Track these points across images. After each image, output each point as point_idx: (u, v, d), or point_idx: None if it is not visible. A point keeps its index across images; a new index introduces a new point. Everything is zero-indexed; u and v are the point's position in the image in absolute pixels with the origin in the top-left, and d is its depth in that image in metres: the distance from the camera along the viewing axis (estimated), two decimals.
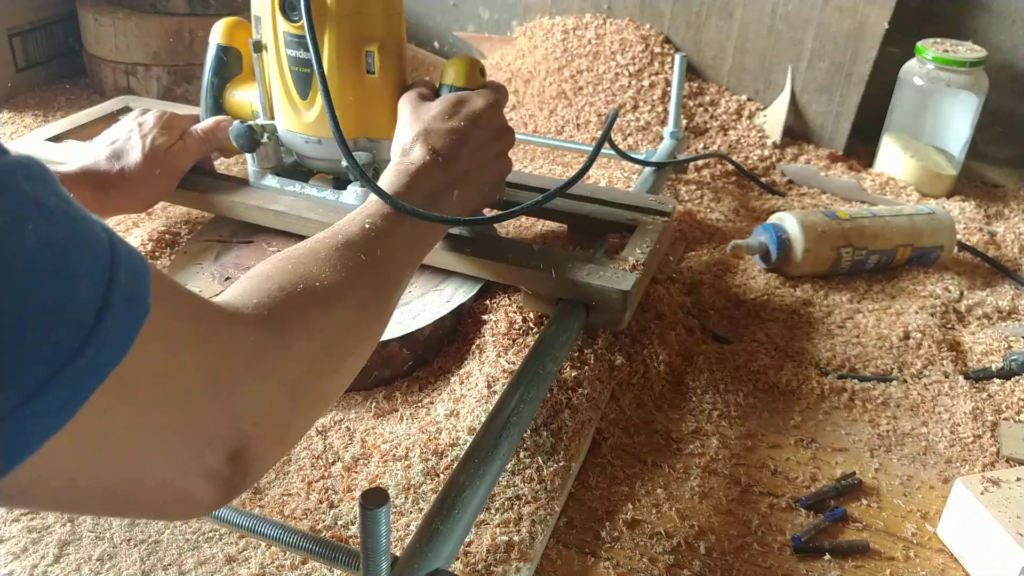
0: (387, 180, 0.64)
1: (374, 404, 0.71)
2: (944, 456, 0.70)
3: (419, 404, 0.71)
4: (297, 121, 0.78)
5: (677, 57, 1.07)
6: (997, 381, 0.78)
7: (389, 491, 0.62)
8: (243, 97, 0.86)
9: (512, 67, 1.36)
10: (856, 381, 0.78)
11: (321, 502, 0.62)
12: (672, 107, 1.10)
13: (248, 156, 0.84)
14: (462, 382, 0.71)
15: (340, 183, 0.82)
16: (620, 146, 1.21)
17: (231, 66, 0.86)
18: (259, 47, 0.77)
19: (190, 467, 0.38)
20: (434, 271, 0.79)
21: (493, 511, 0.60)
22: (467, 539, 0.58)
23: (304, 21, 0.67)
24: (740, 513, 0.64)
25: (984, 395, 0.76)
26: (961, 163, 1.18)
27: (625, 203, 0.84)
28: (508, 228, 0.95)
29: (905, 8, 1.18)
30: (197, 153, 0.84)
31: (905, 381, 0.78)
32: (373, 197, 0.61)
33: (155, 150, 0.80)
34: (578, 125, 1.25)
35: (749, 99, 1.29)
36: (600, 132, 0.83)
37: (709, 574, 0.58)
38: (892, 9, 1.15)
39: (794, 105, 1.26)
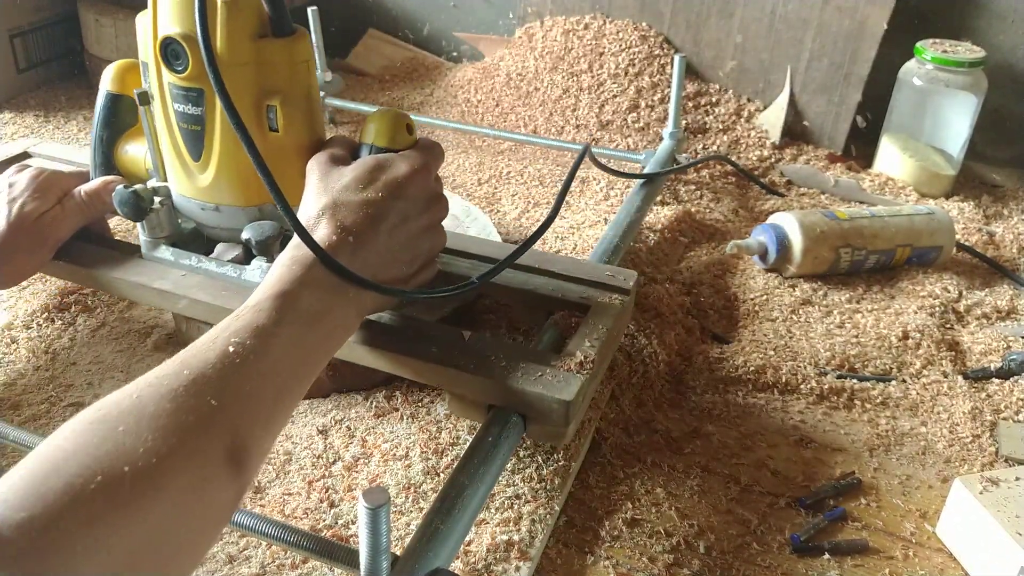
0: (277, 271, 0.52)
1: (374, 403, 0.72)
2: (943, 456, 0.70)
3: (419, 403, 0.71)
4: (191, 186, 0.66)
5: (677, 58, 1.07)
6: (996, 381, 0.78)
7: (389, 490, 0.62)
8: (137, 152, 0.74)
9: (511, 67, 1.37)
10: (855, 381, 0.78)
11: (322, 501, 0.62)
12: (672, 107, 1.10)
13: (138, 225, 0.70)
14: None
15: (249, 256, 0.69)
16: (620, 146, 1.21)
17: (123, 117, 0.75)
18: (146, 99, 0.65)
19: None
20: None
21: (493, 510, 0.60)
22: (467, 538, 0.58)
23: (207, 67, 0.55)
24: (739, 512, 0.64)
25: (983, 395, 0.77)
26: (960, 163, 1.18)
27: (578, 277, 0.71)
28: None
29: (904, 8, 1.18)
30: (78, 220, 0.72)
31: (904, 381, 0.78)
32: (248, 303, 0.50)
33: (23, 218, 0.69)
34: (577, 126, 1.25)
35: (749, 99, 1.29)
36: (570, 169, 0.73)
37: (709, 573, 0.58)
38: (891, 9, 1.15)
39: (793, 105, 1.26)
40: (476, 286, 0.62)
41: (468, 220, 1.02)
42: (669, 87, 1.18)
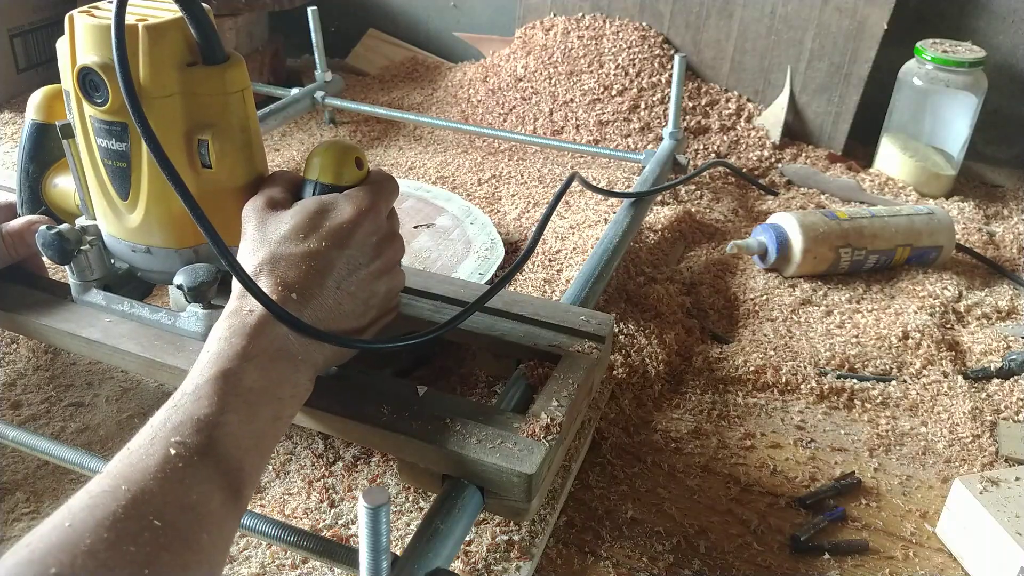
0: (214, 347, 0.46)
1: None
2: (943, 456, 0.70)
3: None
4: (120, 226, 0.61)
5: (677, 57, 1.07)
6: (996, 381, 0.78)
7: (390, 490, 0.62)
8: (67, 186, 0.68)
9: (511, 67, 1.37)
10: (855, 381, 0.78)
11: (322, 501, 0.62)
12: (672, 108, 1.10)
13: (66, 267, 0.65)
14: (463, 381, 0.71)
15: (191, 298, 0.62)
16: (620, 146, 1.21)
17: (51, 148, 0.68)
18: (68, 131, 0.60)
19: None
20: None
21: None
22: (467, 538, 0.58)
23: (126, 99, 0.50)
24: (739, 512, 0.64)
25: (983, 395, 0.77)
26: (960, 163, 1.18)
27: (549, 322, 0.65)
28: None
29: (904, 8, 1.18)
30: (1, 260, 0.67)
31: (904, 381, 0.78)
32: (185, 387, 0.44)
33: None
34: (577, 126, 1.25)
35: (748, 99, 1.29)
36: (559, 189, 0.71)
37: (709, 573, 0.58)
38: (891, 10, 1.15)
39: (793, 105, 1.26)
40: (436, 334, 0.57)
41: (468, 220, 1.02)
42: (669, 87, 1.18)
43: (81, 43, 0.55)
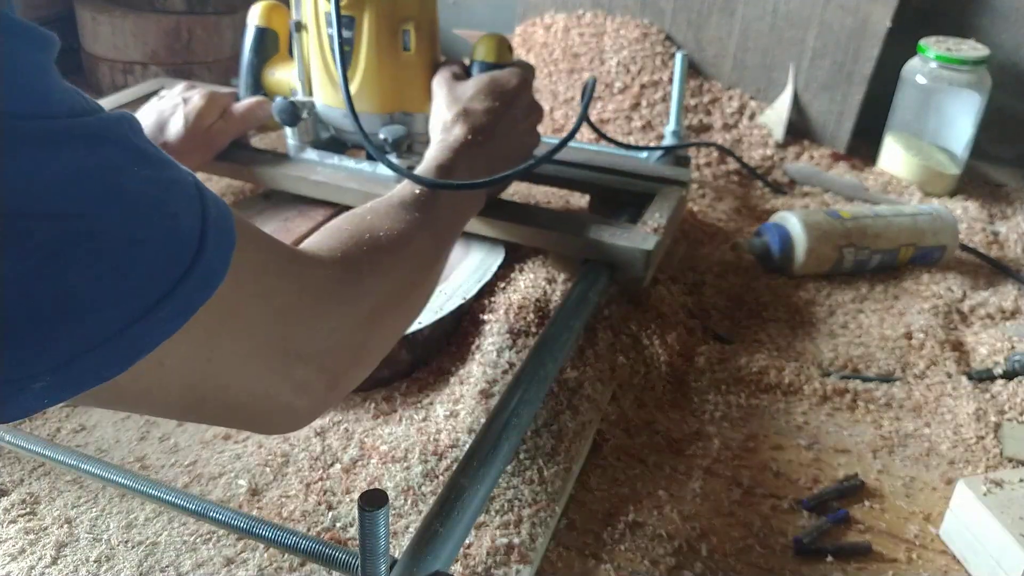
0: (433, 154, 0.69)
1: (373, 405, 0.71)
2: (947, 457, 0.70)
3: (418, 405, 0.71)
4: (337, 96, 0.83)
5: (679, 55, 1.07)
6: (1000, 382, 0.78)
7: (388, 493, 0.62)
8: (281, 76, 0.91)
9: None
10: (859, 382, 0.77)
11: (320, 504, 0.61)
12: (673, 105, 1.10)
13: (288, 131, 0.89)
14: (462, 382, 0.71)
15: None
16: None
17: (268, 47, 0.91)
18: (299, 27, 0.82)
19: (285, 379, 0.44)
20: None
21: (493, 513, 0.60)
22: (467, 541, 0.57)
23: (332, 5, 0.72)
24: (742, 515, 0.63)
25: (987, 396, 0.76)
26: (964, 162, 1.17)
27: (645, 174, 0.91)
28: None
29: (907, 6, 1.18)
30: (235, 131, 0.89)
31: (908, 382, 0.78)
32: (419, 170, 0.67)
33: (198, 126, 0.85)
34: None
35: (751, 97, 1.29)
36: (585, 103, 0.84)
37: None
38: (894, 7, 1.14)
39: (796, 103, 1.25)
40: (540, 162, 0.75)
41: None
42: (671, 85, 1.17)
43: None
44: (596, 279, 0.74)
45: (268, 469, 0.65)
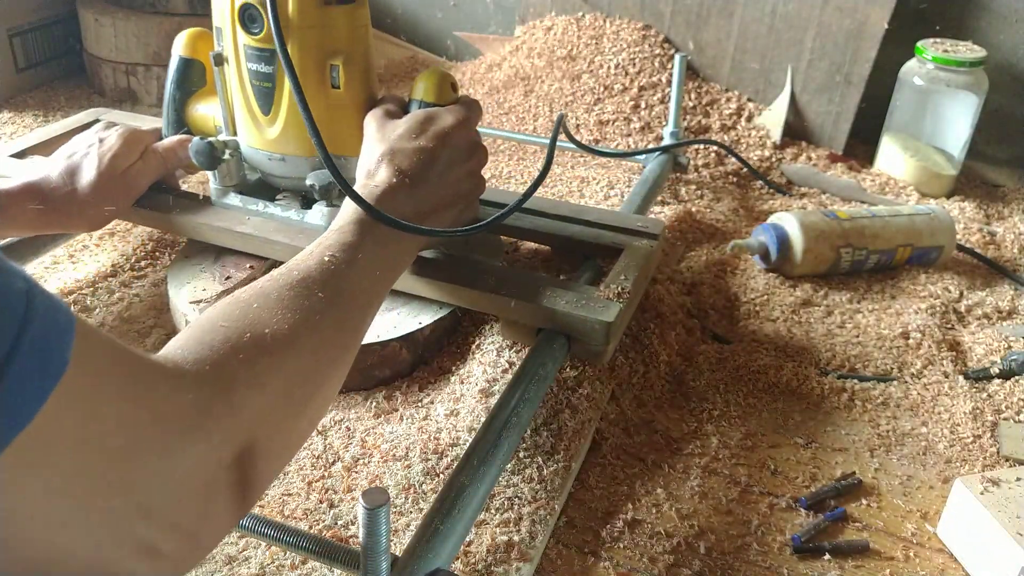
0: (352, 205, 0.60)
1: (374, 404, 0.72)
2: (944, 456, 0.70)
3: (419, 404, 0.71)
4: (260, 138, 0.75)
5: (677, 57, 1.07)
6: (997, 381, 0.78)
7: (389, 491, 0.62)
8: (206, 111, 0.83)
9: (511, 67, 1.36)
10: (856, 381, 0.78)
11: (321, 502, 0.62)
12: (672, 107, 1.10)
13: (210, 174, 0.80)
14: (462, 382, 0.71)
15: (307, 202, 0.78)
16: (620, 146, 1.21)
17: (194, 79, 0.83)
18: (220, 60, 0.74)
19: (121, 542, 0.34)
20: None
21: (493, 511, 0.60)
22: (467, 539, 0.58)
23: (273, 32, 0.63)
24: (740, 513, 0.64)
25: (984, 395, 0.77)
26: (961, 163, 1.18)
27: (611, 224, 0.80)
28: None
29: (905, 8, 1.18)
30: (156, 172, 0.81)
31: (905, 381, 0.78)
32: (333, 227, 0.58)
33: (112, 169, 0.77)
34: (577, 125, 1.25)
35: (749, 99, 1.29)
36: (564, 137, 0.83)
37: (709, 574, 0.58)
38: (892, 9, 1.15)
39: (794, 105, 1.26)
40: (501, 218, 0.70)
41: None
42: (669, 86, 1.18)
43: None
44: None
45: None
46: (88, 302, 0.86)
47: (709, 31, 1.28)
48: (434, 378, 0.74)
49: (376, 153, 0.65)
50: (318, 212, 0.76)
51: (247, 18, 0.69)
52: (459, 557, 0.57)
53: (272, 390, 0.44)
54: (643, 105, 1.25)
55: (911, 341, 0.83)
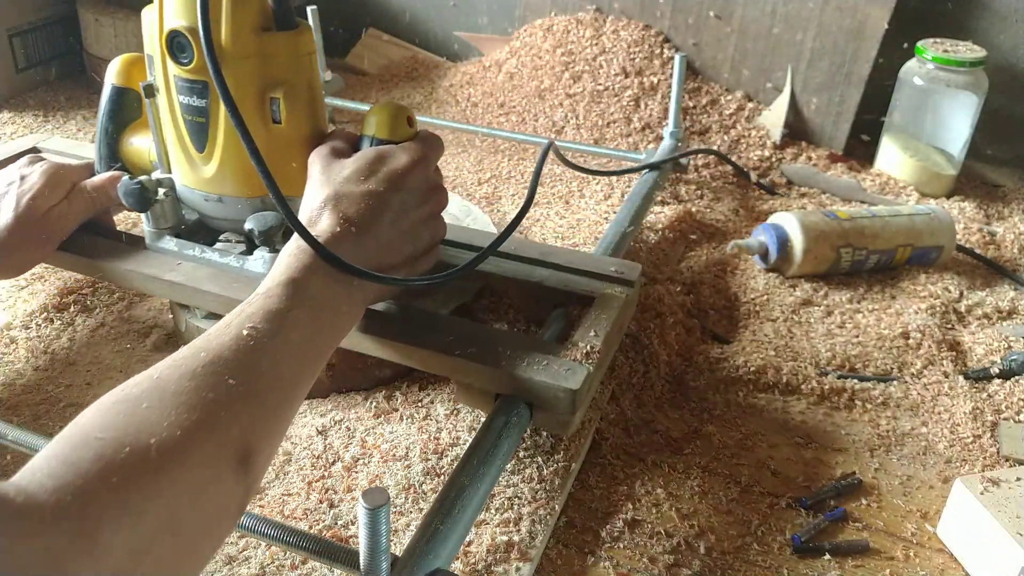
0: (285, 260, 0.53)
1: (374, 404, 0.72)
2: (944, 456, 0.70)
3: (419, 404, 0.71)
4: (194, 177, 0.68)
5: (677, 57, 1.07)
6: (997, 381, 0.78)
7: (389, 491, 0.62)
8: (142, 144, 0.75)
9: (511, 67, 1.36)
10: (856, 381, 0.78)
11: (321, 502, 0.62)
12: (672, 107, 1.10)
13: (143, 215, 0.71)
14: None
15: (253, 245, 0.70)
16: (620, 145, 1.21)
17: (128, 110, 0.75)
18: (151, 91, 0.66)
19: None
20: None
21: (493, 511, 0.60)
22: (467, 539, 0.58)
23: (207, 61, 0.55)
24: (740, 513, 0.64)
25: (984, 395, 0.77)
26: (961, 163, 1.18)
27: (582, 269, 0.72)
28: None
29: (905, 8, 1.18)
30: (84, 213, 0.73)
31: (905, 381, 0.78)
32: (259, 289, 0.51)
33: (32, 211, 0.69)
34: (578, 126, 1.25)
35: (749, 99, 1.29)
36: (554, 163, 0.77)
37: (709, 574, 0.58)
38: (892, 9, 1.15)
39: (794, 105, 1.26)
40: (467, 269, 0.63)
41: (468, 220, 1.02)
42: (669, 86, 1.18)
43: (170, 9, 0.62)
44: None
45: (270, 467, 0.65)
46: (88, 302, 0.86)
47: (709, 31, 1.28)
48: (434, 378, 0.74)
49: (319, 198, 0.57)
50: (259, 259, 0.68)
51: (175, 47, 0.62)
52: (459, 557, 0.57)
53: (151, 521, 0.36)
54: (643, 105, 1.25)
55: (911, 341, 0.83)
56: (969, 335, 0.85)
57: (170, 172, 0.70)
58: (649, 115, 1.23)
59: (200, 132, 0.65)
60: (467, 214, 1.04)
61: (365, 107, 1.29)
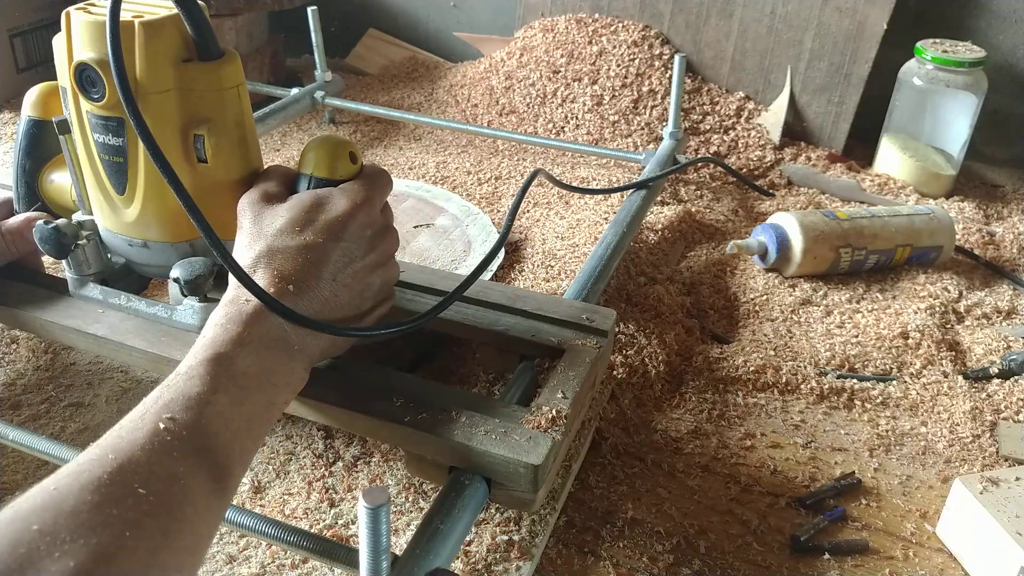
0: (210, 332, 0.47)
1: None
2: (943, 456, 0.70)
3: None
4: (116, 220, 0.61)
5: (677, 58, 1.07)
6: (996, 381, 0.78)
7: (390, 490, 0.62)
8: (64, 181, 0.68)
9: (511, 67, 1.37)
10: (855, 381, 0.78)
11: (322, 501, 0.62)
12: (672, 107, 1.10)
13: (64, 262, 0.65)
14: (463, 381, 0.71)
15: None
16: (620, 146, 1.21)
17: (47, 144, 0.69)
18: (65, 127, 0.60)
19: None
20: None
21: (493, 510, 0.60)
22: (467, 538, 0.58)
23: (121, 97, 0.50)
24: (740, 512, 0.64)
25: (983, 395, 0.77)
26: (960, 163, 1.18)
27: (552, 317, 0.65)
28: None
29: (904, 8, 1.18)
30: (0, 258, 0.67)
31: (904, 381, 0.78)
32: (180, 369, 0.45)
33: None
34: (577, 126, 1.25)
35: (749, 99, 1.29)
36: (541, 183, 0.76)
37: (709, 573, 0.58)
38: (891, 9, 1.15)
39: (793, 105, 1.26)
40: (419, 323, 0.56)
41: (468, 220, 1.02)
42: (669, 87, 1.18)
43: (78, 39, 0.55)
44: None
45: (271, 467, 0.65)
46: None
47: (709, 31, 1.29)
48: (436, 376, 0.75)
49: (250, 254, 0.51)
50: (189, 308, 0.61)
51: (85, 81, 0.55)
52: (459, 556, 0.57)
53: None
54: (643, 105, 1.25)
55: (910, 341, 0.83)
56: (968, 335, 0.86)
57: (91, 214, 0.63)
58: (649, 115, 1.24)
59: (119, 173, 0.58)
60: (467, 214, 1.04)
61: (365, 108, 1.29)
